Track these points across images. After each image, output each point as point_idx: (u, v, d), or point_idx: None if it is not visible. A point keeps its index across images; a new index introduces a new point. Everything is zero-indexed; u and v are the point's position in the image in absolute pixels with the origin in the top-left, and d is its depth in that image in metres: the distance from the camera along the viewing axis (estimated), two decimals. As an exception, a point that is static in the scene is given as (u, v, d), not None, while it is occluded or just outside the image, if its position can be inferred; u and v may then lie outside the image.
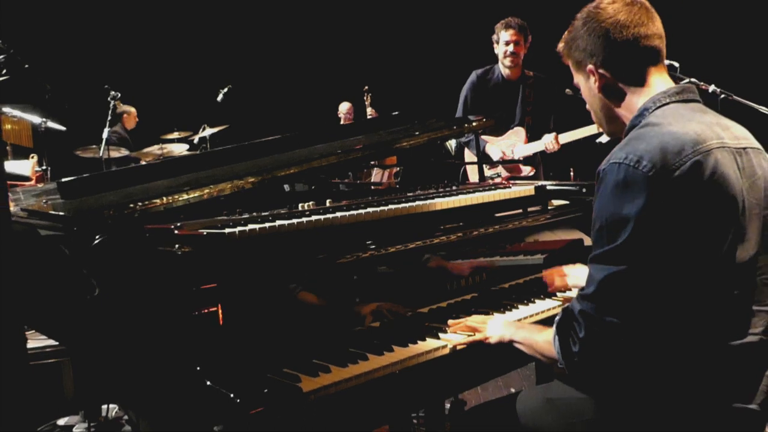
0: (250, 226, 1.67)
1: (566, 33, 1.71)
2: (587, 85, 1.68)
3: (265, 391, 1.41)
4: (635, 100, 1.61)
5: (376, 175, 5.88)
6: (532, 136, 4.54)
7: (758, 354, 1.48)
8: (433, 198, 2.17)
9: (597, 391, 1.60)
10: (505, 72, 4.53)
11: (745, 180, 1.49)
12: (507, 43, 4.42)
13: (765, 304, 1.49)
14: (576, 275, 2.19)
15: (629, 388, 1.52)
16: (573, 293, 2.17)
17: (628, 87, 1.61)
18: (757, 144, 1.59)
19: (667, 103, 1.56)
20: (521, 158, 4.49)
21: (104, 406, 3.23)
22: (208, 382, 1.40)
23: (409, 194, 2.25)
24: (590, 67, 1.63)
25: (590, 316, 1.48)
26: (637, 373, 1.50)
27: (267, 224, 1.70)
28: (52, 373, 3.00)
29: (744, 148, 1.53)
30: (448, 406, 3.10)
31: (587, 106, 1.76)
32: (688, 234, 1.41)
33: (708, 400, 1.47)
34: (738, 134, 1.56)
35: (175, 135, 7.31)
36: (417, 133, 2.56)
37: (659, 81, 1.61)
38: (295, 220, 1.76)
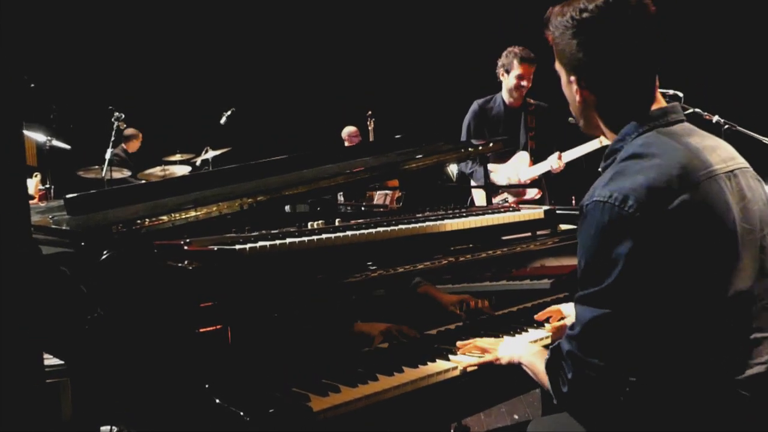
0: (261, 243, 1.66)
1: (554, 17, 1.52)
2: (568, 85, 1.55)
3: (275, 410, 1.39)
4: (618, 118, 1.51)
5: (379, 198, 5.88)
6: (537, 160, 4.55)
7: (760, 387, 1.41)
8: (442, 219, 2.16)
9: (596, 427, 1.53)
10: (509, 100, 4.55)
11: (736, 206, 1.42)
12: (520, 77, 4.44)
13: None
14: (571, 311, 2.12)
15: (626, 423, 1.45)
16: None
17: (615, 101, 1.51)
18: (743, 162, 1.53)
19: (650, 129, 1.47)
20: (528, 181, 4.50)
21: (104, 428, 3.18)
22: (217, 400, 1.38)
23: (418, 215, 2.24)
24: (573, 77, 1.52)
25: (577, 357, 1.43)
26: (633, 411, 1.43)
27: (277, 241, 1.69)
28: (50, 393, 2.96)
29: (732, 171, 1.47)
30: (452, 431, 3.06)
31: (571, 107, 1.63)
32: (680, 272, 1.35)
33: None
34: (724, 156, 1.49)
35: (178, 157, 7.34)
36: (425, 155, 2.56)
37: (647, 102, 1.51)
38: (305, 238, 1.75)
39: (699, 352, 1.39)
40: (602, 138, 4.38)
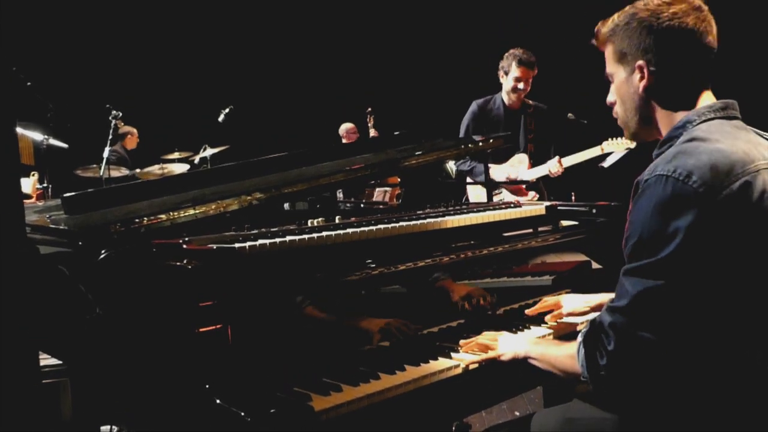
0: (260, 241, 1.64)
1: (616, 17, 1.61)
2: (628, 79, 1.59)
3: (277, 410, 1.37)
4: (677, 110, 1.55)
5: (378, 196, 5.87)
6: (535, 163, 4.54)
7: None
8: (443, 216, 2.14)
9: (621, 408, 1.55)
10: (508, 102, 4.54)
11: None
12: (517, 80, 4.43)
13: None
14: (569, 305, 2.11)
15: (656, 406, 1.47)
16: (569, 319, 2.11)
17: (678, 92, 1.55)
18: None
19: (712, 118, 1.51)
20: (527, 181, 4.49)
21: (104, 428, 3.17)
22: (218, 401, 1.36)
23: (419, 212, 2.23)
24: (641, 63, 1.55)
25: (621, 329, 1.42)
26: (665, 392, 1.45)
27: (277, 239, 1.67)
28: (49, 394, 2.94)
29: None
30: (453, 428, 3.04)
31: (608, 99, 1.67)
32: (733, 254, 1.36)
33: (743, 428, 1.41)
34: None
35: (176, 155, 7.32)
36: (425, 151, 2.54)
37: (704, 94, 1.56)
38: (305, 236, 1.73)
39: (740, 339, 1.40)
40: (604, 145, 4.39)
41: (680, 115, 1.54)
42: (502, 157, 4.58)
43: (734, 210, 1.36)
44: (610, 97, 1.68)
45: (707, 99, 1.56)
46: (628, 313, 1.42)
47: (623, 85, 1.61)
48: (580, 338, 1.53)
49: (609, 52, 1.63)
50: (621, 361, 1.43)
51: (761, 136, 1.55)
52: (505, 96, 4.55)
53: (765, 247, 1.39)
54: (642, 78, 1.56)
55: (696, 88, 1.55)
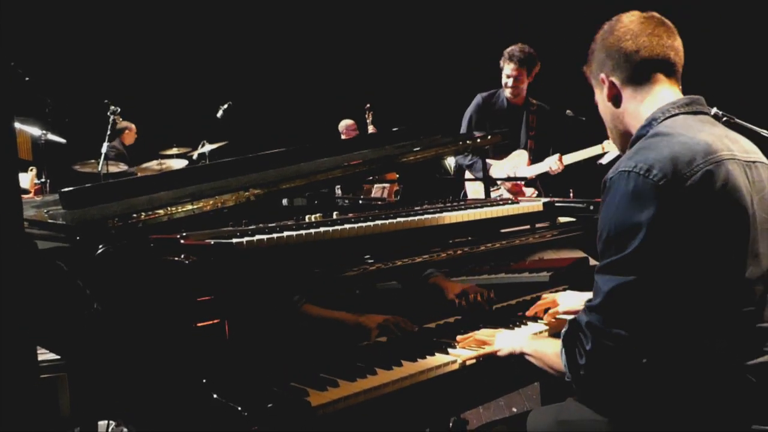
0: (258, 237, 1.64)
1: (589, 54, 1.73)
2: (601, 96, 1.68)
3: (274, 405, 1.38)
4: (642, 110, 1.59)
5: (377, 192, 5.87)
6: (535, 160, 4.53)
7: None
8: (441, 212, 2.15)
9: (606, 408, 1.55)
10: (509, 97, 4.54)
11: (755, 194, 1.46)
12: (507, 76, 4.44)
13: None
14: (565, 303, 2.12)
15: (637, 404, 1.47)
16: (566, 317, 2.12)
17: (636, 95, 1.60)
18: (764, 158, 1.58)
19: (676, 114, 1.54)
20: (526, 178, 4.49)
21: (101, 423, 3.17)
22: (215, 395, 1.37)
23: (416, 208, 2.23)
24: (602, 76, 1.64)
25: (597, 328, 1.43)
26: (645, 389, 1.45)
27: (275, 235, 1.67)
28: (47, 389, 2.94)
29: (753, 162, 1.52)
30: (450, 425, 3.05)
31: (605, 121, 1.75)
32: (699, 245, 1.37)
33: (723, 421, 1.42)
34: (747, 148, 1.55)
35: (174, 151, 7.30)
36: (423, 147, 2.54)
37: (668, 92, 1.60)
38: (302, 232, 1.73)
39: (713, 331, 1.40)
40: (605, 144, 4.39)
41: (646, 114, 1.58)
42: (502, 153, 4.58)
43: (698, 200, 1.38)
44: (605, 123, 1.76)
45: (671, 96, 1.59)
46: (602, 310, 1.43)
47: (600, 104, 1.71)
48: (561, 338, 1.54)
49: (592, 82, 1.73)
50: (599, 359, 1.44)
51: (742, 127, 1.60)
52: (504, 91, 4.55)
53: (728, 235, 1.40)
54: (607, 87, 1.64)
55: (653, 86, 1.60)
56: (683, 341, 1.41)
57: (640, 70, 1.59)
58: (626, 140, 1.65)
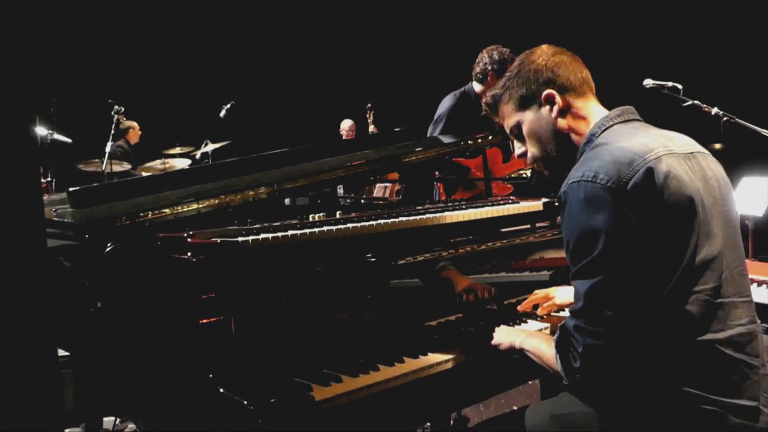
0: (263, 235, 1.67)
1: (499, 83, 1.80)
2: (538, 115, 1.73)
3: (278, 399, 1.41)
4: (583, 126, 1.69)
5: (378, 191, 5.90)
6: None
7: (746, 344, 1.50)
8: (442, 211, 2.18)
9: (602, 405, 1.60)
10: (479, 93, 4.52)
11: (698, 181, 1.54)
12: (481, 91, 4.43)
13: (745, 295, 1.55)
14: (561, 295, 2.18)
15: (630, 396, 1.53)
16: (564, 314, 2.15)
17: (580, 110, 1.70)
18: (703, 149, 1.66)
19: (611, 125, 1.65)
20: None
21: (106, 419, 3.21)
22: (221, 390, 1.40)
23: (418, 207, 2.26)
24: (548, 92, 1.70)
25: (584, 329, 1.50)
26: (634, 381, 1.51)
27: (279, 233, 1.71)
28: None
29: (691, 153, 1.61)
30: (451, 422, 3.08)
31: (517, 153, 1.81)
32: (655, 236, 1.45)
33: (704, 400, 1.47)
34: (683, 142, 1.63)
35: (178, 150, 7.33)
36: (425, 148, 2.57)
37: (598, 108, 1.72)
38: (307, 230, 1.76)
39: (682, 314, 1.47)
40: None
41: (585, 130, 1.68)
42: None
43: (644, 194, 1.45)
44: (518, 150, 1.81)
45: (602, 112, 1.70)
46: (584, 313, 1.51)
47: (534, 123, 1.74)
48: (553, 345, 1.61)
49: (508, 109, 1.79)
50: (591, 359, 1.51)
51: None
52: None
53: (678, 222, 1.48)
54: (557, 103, 1.70)
55: (589, 103, 1.71)
56: (658, 329, 1.48)
57: (582, 88, 1.72)
58: (567, 153, 1.72)
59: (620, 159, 1.49)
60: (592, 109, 1.70)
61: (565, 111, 1.70)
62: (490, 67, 4.46)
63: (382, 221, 1.94)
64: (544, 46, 1.77)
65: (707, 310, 1.48)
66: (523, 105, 1.75)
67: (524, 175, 4.51)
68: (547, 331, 2.05)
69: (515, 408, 3.77)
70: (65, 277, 1.80)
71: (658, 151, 1.52)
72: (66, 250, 1.81)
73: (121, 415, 3.05)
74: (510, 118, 1.79)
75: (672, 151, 1.55)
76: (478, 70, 4.45)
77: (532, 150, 1.77)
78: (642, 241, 1.44)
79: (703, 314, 1.48)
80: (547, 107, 1.71)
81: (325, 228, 1.80)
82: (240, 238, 1.64)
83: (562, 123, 1.70)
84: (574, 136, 1.71)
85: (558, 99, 1.69)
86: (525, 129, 1.76)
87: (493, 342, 1.83)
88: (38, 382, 1.14)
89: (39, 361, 1.15)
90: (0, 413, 1.10)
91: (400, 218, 2.01)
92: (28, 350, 1.12)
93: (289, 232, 1.73)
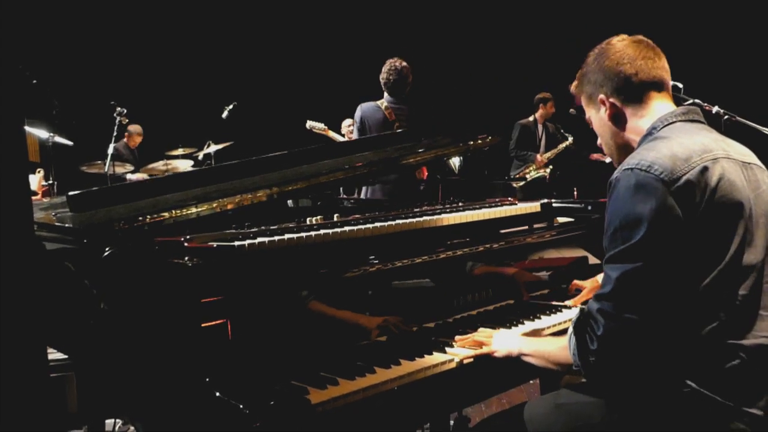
0: (260, 239, 1.68)
1: (578, 72, 1.81)
2: (598, 116, 1.76)
3: (275, 402, 1.42)
4: (642, 123, 1.69)
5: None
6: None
7: (762, 357, 1.51)
8: (440, 213, 2.18)
9: (609, 392, 1.62)
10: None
11: (751, 191, 1.56)
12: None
13: None
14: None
15: (641, 386, 1.55)
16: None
17: (636, 111, 1.70)
18: (759, 162, 1.68)
19: (674, 122, 1.65)
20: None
21: (108, 421, 3.22)
22: (218, 393, 1.41)
23: (416, 210, 2.26)
24: (601, 96, 1.72)
25: (608, 313, 1.52)
26: (649, 372, 1.53)
27: (276, 237, 1.71)
28: (56, 387, 2.99)
29: (749, 163, 1.62)
30: (452, 422, 3.09)
31: (599, 141, 1.84)
32: (698, 234, 1.47)
33: (715, 402, 1.48)
34: (742, 151, 1.66)
35: (180, 151, 7.35)
36: (424, 149, 2.58)
37: (663, 106, 1.70)
38: (303, 234, 1.77)
39: (709, 314, 1.49)
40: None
41: (646, 126, 1.68)
42: None
43: (695, 192, 1.48)
44: (599, 140, 1.84)
45: (667, 109, 1.69)
46: (613, 297, 1.52)
47: (597, 122, 1.79)
48: (570, 328, 1.62)
49: (583, 100, 1.83)
50: (610, 343, 1.53)
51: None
52: None
53: (724, 224, 1.50)
54: (606, 108, 1.73)
55: (649, 103, 1.69)
56: (684, 326, 1.50)
57: (639, 91, 1.69)
58: (625, 153, 1.72)
59: (678, 154, 1.51)
60: (654, 107, 1.69)
61: (620, 115, 1.72)
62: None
63: (379, 224, 1.95)
64: (617, 41, 1.74)
65: (736, 315, 1.50)
66: (589, 102, 1.79)
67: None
68: (549, 331, 2.07)
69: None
70: (67, 280, 1.81)
71: (717, 153, 1.55)
72: (67, 254, 1.82)
73: (123, 417, 3.06)
74: (586, 111, 1.83)
75: (730, 156, 1.57)
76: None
77: (602, 144, 1.83)
78: (684, 236, 1.46)
79: (732, 318, 1.49)
80: (603, 108, 1.74)
81: (322, 231, 1.81)
82: (236, 243, 1.65)
83: (618, 126, 1.73)
84: (630, 136, 1.72)
85: (608, 103, 1.71)
86: (594, 126, 1.81)
87: (490, 350, 1.84)
88: (26, 384, 1.15)
89: (27, 363, 1.16)
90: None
91: (397, 221, 2.01)
92: (16, 352, 1.13)
93: (286, 236, 1.73)
